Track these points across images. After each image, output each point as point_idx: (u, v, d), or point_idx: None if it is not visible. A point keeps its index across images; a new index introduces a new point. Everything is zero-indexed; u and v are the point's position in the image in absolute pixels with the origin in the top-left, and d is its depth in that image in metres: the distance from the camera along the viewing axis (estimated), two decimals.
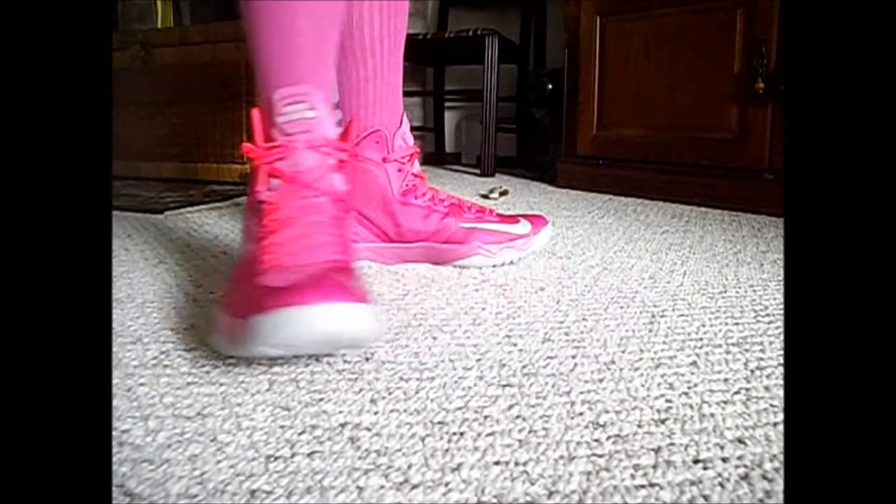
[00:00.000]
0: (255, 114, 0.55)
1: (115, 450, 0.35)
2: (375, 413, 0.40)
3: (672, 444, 0.37)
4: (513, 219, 0.81)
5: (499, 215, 0.81)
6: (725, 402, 0.42)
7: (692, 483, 0.33)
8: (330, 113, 0.56)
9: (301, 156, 0.53)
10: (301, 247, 0.48)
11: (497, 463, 0.34)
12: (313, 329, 0.40)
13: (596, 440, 0.37)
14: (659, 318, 0.59)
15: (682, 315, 0.60)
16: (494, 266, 0.79)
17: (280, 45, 0.55)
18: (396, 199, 0.78)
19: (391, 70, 0.78)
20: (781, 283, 0.73)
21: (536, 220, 0.83)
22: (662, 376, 0.46)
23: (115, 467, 0.33)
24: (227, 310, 0.45)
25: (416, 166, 0.80)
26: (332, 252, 0.48)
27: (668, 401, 0.42)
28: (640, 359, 0.49)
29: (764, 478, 0.33)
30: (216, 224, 1.08)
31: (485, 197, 1.47)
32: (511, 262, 0.80)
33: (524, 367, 0.47)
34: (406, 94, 2.70)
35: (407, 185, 0.79)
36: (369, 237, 0.80)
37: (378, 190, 0.77)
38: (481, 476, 0.33)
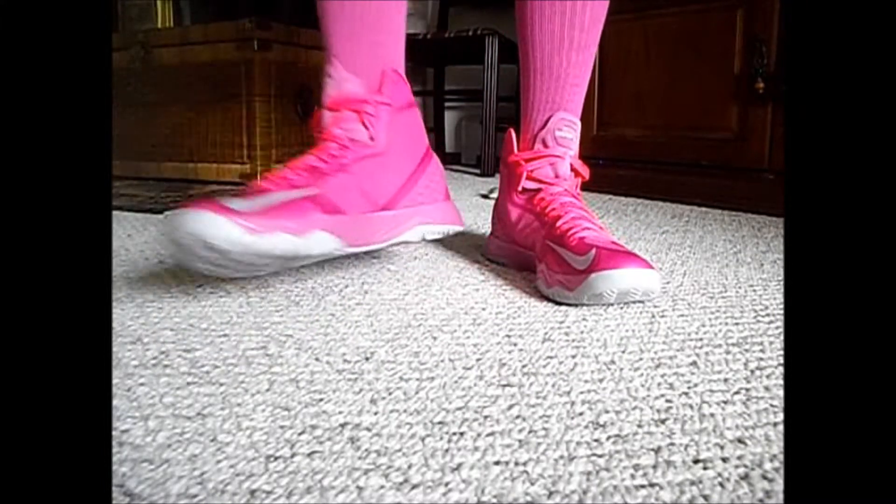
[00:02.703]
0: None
1: (115, 450, 0.35)
2: (375, 413, 0.40)
3: (672, 444, 0.37)
4: (586, 247, 0.62)
5: (580, 239, 0.64)
6: (725, 402, 0.42)
7: (692, 483, 0.33)
8: (353, 73, 0.70)
9: (323, 115, 0.71)
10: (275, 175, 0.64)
11: (497, 463, 0.34)
12: (178, 224, 0.53)
13: (596, 440, 0.37)
14: (659, 318, 0.59)
15: (682, 315, 0.60)
16: (555, 299, 0.64)
17: (323, 25, 0.72)
18: (509, 197, 0.78)
19: (546, 68, 0.76)
20: (781, 283, 0.73)
21: (607, 258, 0.59)
22: (662, 376, 0.46)
23: (115, 467, 0.33)
24: None
25: (551, 171, 0.75)
26: (267, 182, 0.62)
27: (668, 401, 0.42)
28: (640, 359, 0.49)
29: (764, 478, 0.33)
30: None
31: (485, 197, 1.47)
32: (568, 301, 0.62)
33: (524, 366, 0.47)
34: None
35: (524, 187, 0.75)
36: (503, 235, 0.79)
37: (503, 186, 0.81)
38: (481, 476, 0.33)
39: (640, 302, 0.63)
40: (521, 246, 0.76)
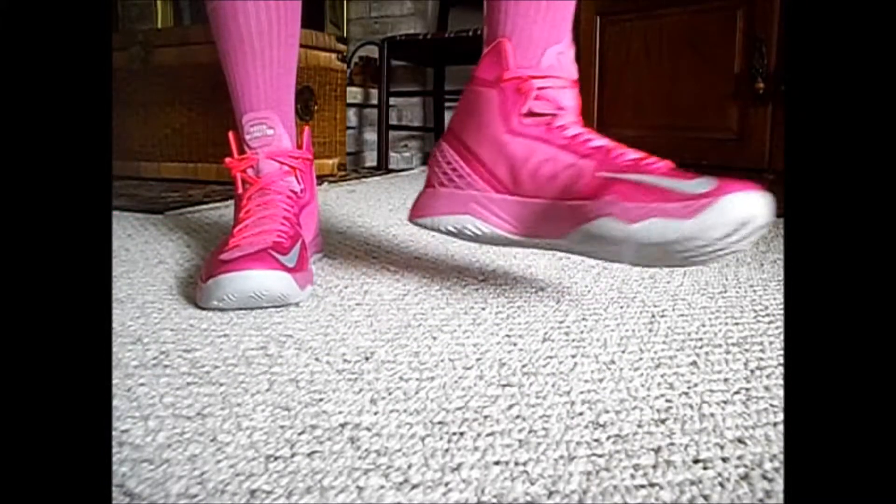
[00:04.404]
0: (231, 134, 0.75)
1: (115, 450, 0.35)
2: (375, 413, 0.40)
3: (672, 444, 0.37)
4: (688, 175, 0.51)
5: (671, 169, 0.54)
6: (725, 402, 0.42)
7: (692, 483, 0.33)
8: (285, 130, 0.74)
9: (262, 164, 0.73)
10: (253, 232, 0.66)
11: (497, 463, 0.34)
12: (241, 287, 0.57)
13: (596, 440, 0.37)
14: (659, 318, 0.59)
15: (682, 315, 0.60)
16: (636, 241, 0.51)
17: (245, 81, 0.74)
18: (507, 126, 0.59)
19: None
20: (781, 283, 0.73)
21: (727, 183, 0.49)
22: (662, 376, 0.46)
23: (115, 467, 0.33)
24: (198, 277, 0.63)
25: (570, 98, 0.60)
26: (274, 236, 0.65)
27: (668, 401, 0.42)
28: (640, 359, 0.49)
29: (764, 478, 0.33)
30: (216, 224, 1.08)
31: None
32: (665, 241, 0.50)
33: (524, 366, 0.47)
34: (406, 94, 2.69)
35: (531, 111, 0.58)
36: (481, 185, 0.61)
37: (485, 116, 0.61)
38: (481, 476, 0.33)
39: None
40: (529, 194, 0.58)
